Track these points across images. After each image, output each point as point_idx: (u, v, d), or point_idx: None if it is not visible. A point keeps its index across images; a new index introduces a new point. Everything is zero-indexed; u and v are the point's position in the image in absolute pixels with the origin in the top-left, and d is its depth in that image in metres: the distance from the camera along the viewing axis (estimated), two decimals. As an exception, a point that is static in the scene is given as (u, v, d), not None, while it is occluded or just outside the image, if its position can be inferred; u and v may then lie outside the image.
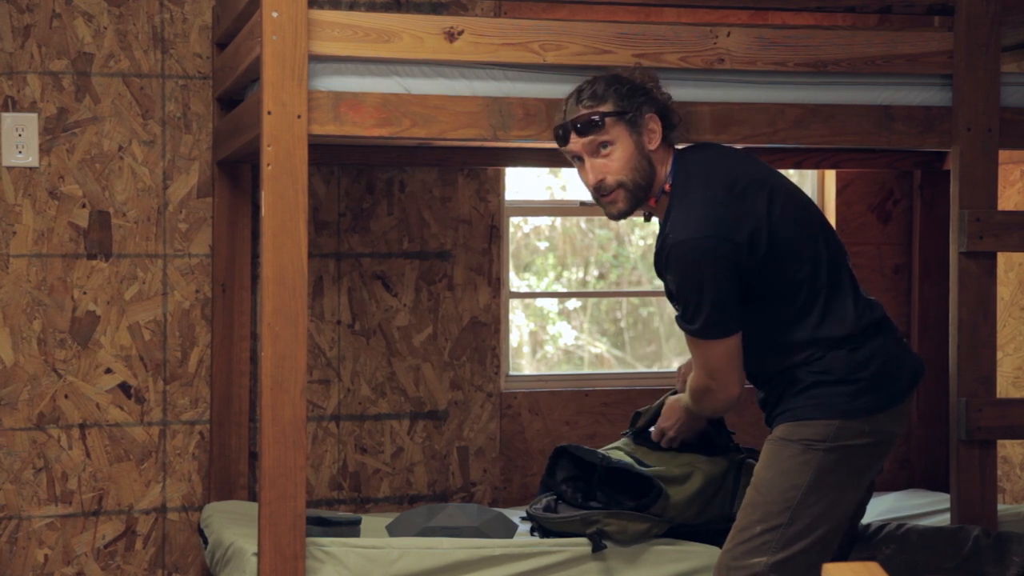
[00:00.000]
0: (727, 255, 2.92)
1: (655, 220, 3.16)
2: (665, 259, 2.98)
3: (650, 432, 3.52)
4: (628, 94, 3.02)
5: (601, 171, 3.03)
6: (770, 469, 2.99)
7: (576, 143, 3.04)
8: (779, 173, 3.16)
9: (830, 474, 2.95)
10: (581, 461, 3.50)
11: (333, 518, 3.36)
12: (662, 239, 3.00)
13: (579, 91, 3.05)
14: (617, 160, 3.01)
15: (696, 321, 2.97)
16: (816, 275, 3.00)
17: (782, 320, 3.01)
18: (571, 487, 3.47)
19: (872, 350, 2.99)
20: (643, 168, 3.03)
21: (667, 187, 3.04)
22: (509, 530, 3.42)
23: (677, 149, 3.13)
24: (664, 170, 3.06)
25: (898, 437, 3.06)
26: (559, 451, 3.56)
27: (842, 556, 3.23)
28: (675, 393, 3.50)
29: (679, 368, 3.52)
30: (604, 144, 3.02)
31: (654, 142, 3.03)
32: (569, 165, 4.26)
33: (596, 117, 3.00)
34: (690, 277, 2.95)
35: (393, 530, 3.42)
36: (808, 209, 3.10)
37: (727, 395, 3.05)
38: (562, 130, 3.07)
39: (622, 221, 3.17)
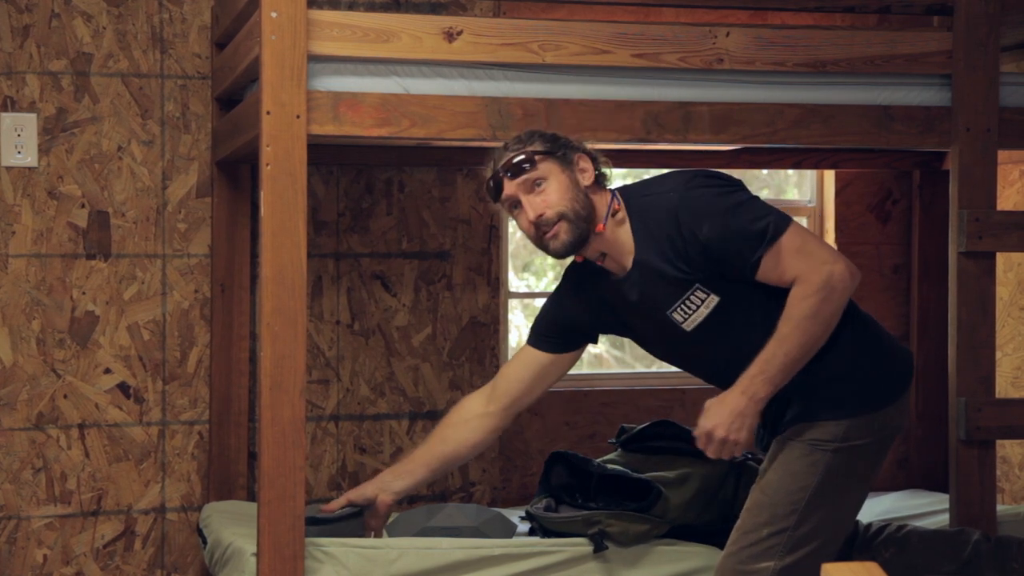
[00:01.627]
0: (728, 178, 2.89)
1: None
2: (686, 215, 2.84)
3: (653, 446, 3.52)
4: (553, 138, 2.97)
5: (540, 207, 2.92)
6: (777, 470, 2.95)
7: (510, 186, 2.95)
8: None
9: (838, 475, 2.93)
10: (576, 468, 3.50)
11: (331, 516, 3.34)
12: (657, 219, 2.90)
13: (504, 145, 3.00)
14: (553, 193, 2.92)
15: (763, 227, 2.82)
16: None
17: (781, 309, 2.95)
18: (567, 494, 3.47)
19: (867, 343, 2.98)
20: (581, 199, 2.93)
21: (616, 206, 2.96)
22: (508, 530, 3.42)
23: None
24: (604, 203, 2.97)
25: (901, 431, 3.04)
26: (555, 456, 3.56)
27: (840, 556, 3.22)
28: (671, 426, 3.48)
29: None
30: (538, 182, 2.93)
31: (587, 179, 2.95)
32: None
33: (524, 157, 2.93)
34: (720, 200, 2.84)
35: (392, 530, 3.42)
36: None
37: (850, 267, 2.82)
38: (493, 181, 2.98)
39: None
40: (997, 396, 3.57)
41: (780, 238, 2.82)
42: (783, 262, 2.82)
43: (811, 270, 2.80)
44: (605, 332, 3.21)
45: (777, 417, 2.99)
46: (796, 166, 4.23)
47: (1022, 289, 4.27)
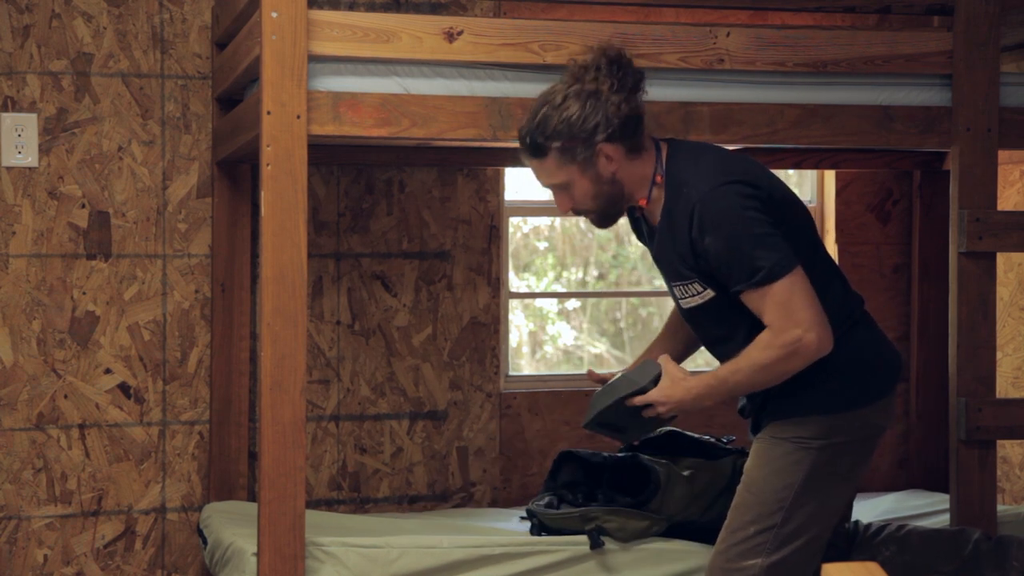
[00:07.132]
0: (756, 194, 2.85)
1: None
2: (698, 219, 2.84)
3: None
4: (570, 137, 2.90)
5: (565, 204, 3.00)
6: (762, 468, 2.97)
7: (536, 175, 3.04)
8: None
9: (822, 472, 2.94)
10: (587, 464, 3.50)
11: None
12: (680, 207, 2.90)
13: (521, 137, 2.96)
14: (577, 196, 2.97)
15: (759, 267, 2.81)
16: (812, 260, 2.95)
17: None
18: (571, 491, 3.48)
19: (857, 343, 2.98)
20: (606, 193, 2.96)
21: (659, 178, 2.96)
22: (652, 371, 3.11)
23: (660, 140, 3.04)
24: (646, 168, 2.96)
25: (885, 431, 3.05)
26: (564, 455, 3.57)
27: (840, 556, 3.22)
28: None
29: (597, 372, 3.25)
30: (559, 186, 2.98)
31: (614, 165, 2.93)
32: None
33: (542, 171, 2.98)
34: (734, 222, 2.82)
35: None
36: (795, 200, 3.06)
37: (823, 340, 2.81)
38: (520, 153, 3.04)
39: (624, 219, 3.15)
40: (997, 396, 3.57)
41: (769, 285, 2.82)
42: (764, 307, 2.85)
43: (784, 328, 2.82)
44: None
45: (761, 405, 3.01)
46: (796, 166, 4.24)
47: (1022, 289, 4.27)
